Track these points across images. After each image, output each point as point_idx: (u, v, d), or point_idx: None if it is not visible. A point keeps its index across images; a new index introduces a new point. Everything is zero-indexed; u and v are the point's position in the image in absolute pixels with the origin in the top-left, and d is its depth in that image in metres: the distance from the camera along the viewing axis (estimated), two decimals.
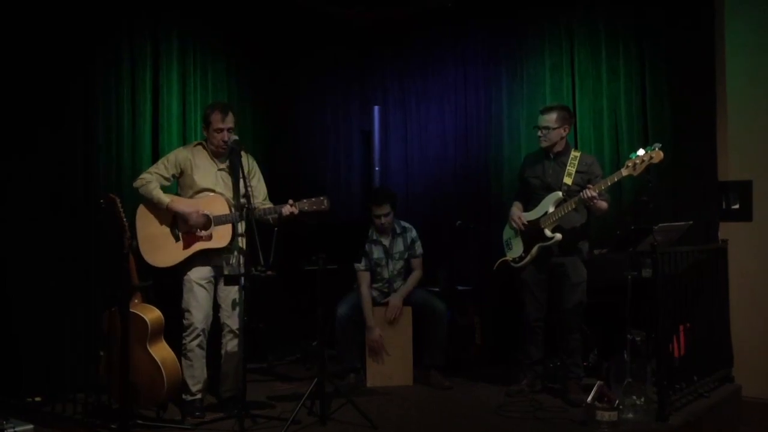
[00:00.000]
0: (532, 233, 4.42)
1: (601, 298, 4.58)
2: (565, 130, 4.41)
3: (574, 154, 4.41)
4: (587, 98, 5.35)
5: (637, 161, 4.05)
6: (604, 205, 4.24)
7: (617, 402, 3.81)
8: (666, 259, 4.04)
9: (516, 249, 4.52)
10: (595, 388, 3.86)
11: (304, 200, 4.13)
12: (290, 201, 4.13)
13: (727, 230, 4.85)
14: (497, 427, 4.00)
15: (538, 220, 4.39)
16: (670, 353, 4.17)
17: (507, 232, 4.61)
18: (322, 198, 4.13)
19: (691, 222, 4.42)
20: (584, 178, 4.35)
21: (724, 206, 4.88)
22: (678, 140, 4.92)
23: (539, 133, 4.41)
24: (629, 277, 4.15)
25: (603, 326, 4.71)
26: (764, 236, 4.77)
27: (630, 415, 3.86)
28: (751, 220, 4.83)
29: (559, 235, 4.30)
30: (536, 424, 4.00)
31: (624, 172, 4.09)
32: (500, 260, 4.60)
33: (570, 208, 4.26)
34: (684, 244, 4.44)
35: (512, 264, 4.53)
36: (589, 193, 4.12)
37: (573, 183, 4.34)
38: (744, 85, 4.85)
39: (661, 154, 4.03)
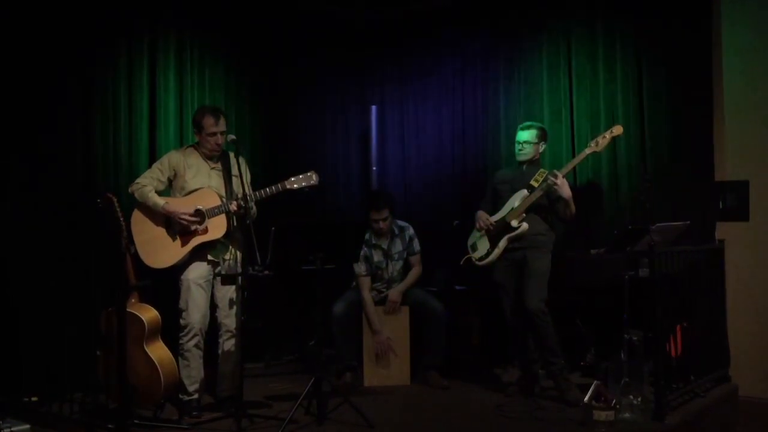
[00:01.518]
0: (498, 230, 4.55)
1: (598, 298, 4.58)
2: (541, 147, 4.63)
3: (542, 171, 4.52)
4: (584, 99, 5.35)
5: (599, 138, 4.42)
6: (568, 190, 4.37)
7: (614, 401, 3.82)
8: (663, 259, 4.05)
9: (481, 248, 4.64)
10: (592, 388, 3.87)
11: (293, 178, 4.15)
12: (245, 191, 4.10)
13: (724, 230, 4.85)
14: (495, 427, 4.00)
15: (504, 217, 4.54)
16: (667, 353, 4.18)
17: (472, 237, 4.74)
18: (310, 174, 4.17)
19: (688, 222, 4.42)
20: (550, 187, 4.42)
21: (721, 206, 4.88)
22: (675, 141, 4.93)
23: (519, 148, 4.61)
24: (626, 276, 4.15)
25: (600, 326, 4.71)
26: (761, 236, 4.78)
27: (627, 415, 3.86)
28: (748, 220, 4.83)
29: (525, 224, 4.46)
30: (534, 423, 4.00)
31: (588, 150, 4.43)
32: (465, 257, 4.72)
33: (535, 197, 4.41)
34: (681, 244, 4.45)
35: (477, 262, 4.65)
36: (555, 173, 4.33)
37: (538, 185, 4.46)
38: (741, 86, 4.85)
39: (621, 128, 4.44)
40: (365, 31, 6.36)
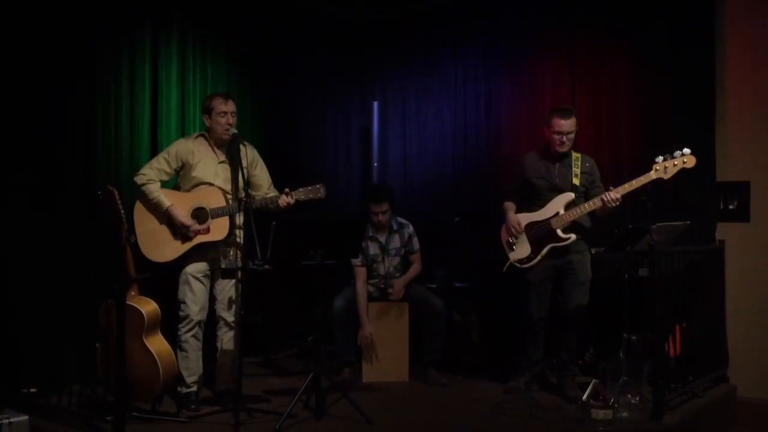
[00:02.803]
0: (541, 234, 4.39)
1: (597, 297, 4.58)
2: (576, 134, 4.41)
3: (575, 155, 4.41)
4: (587, 97, 5.34)
5: (669, 165, 3.99)
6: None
7: (612, 400, 3.82)
8: (663, 259, 4.05)
9: (521, 250, 4.46)
10: (590, 387, 3.87)
11: (300, 189, 4.15)
12: (286, 190, 4.14)
13: (724, 231, 4.85)
14: (493, 425, 4.00)
15: (548, 220, 4.36)
16: (665, 353, 4.18)
17: (508, 236, 4.55)
18: (318, 186, 4.15)
19: (688, 222, 4.42)
20: (588, 179, 4.37)
21: (721, 206, 4.88)
22: (677, 141, 4.91)
23: (563, 139, 4.31)
24: (626, 276, 4.15)
25: (599, 325, 4.71)
26: (761, 237, 4.77)
27: (625, 414, 3.86)
28: (748, 220, 4.83)
29: (573, 236, 4.30)
30: (532, 421, 4.00)
31: (653, 175, 4.03)
32: (508, 263, 4.50)
33: (588, 210, 4.25)
34: (681, 244, 4.44)
35: (518, 265, 4.47)
36: (614, 195, 4.09)
37: (580, 184, 4.36)
38: (743, 86, 4.84)
39: (694, 159, 3.99)
40: (366, 31, 6.36)
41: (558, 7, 5.49)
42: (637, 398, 3.90)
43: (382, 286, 5.05)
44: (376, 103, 6.17)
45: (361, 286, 4.95)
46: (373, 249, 5.04)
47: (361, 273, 4.97)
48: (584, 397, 3.86)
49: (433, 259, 5.41)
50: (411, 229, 5.13)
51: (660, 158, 4.04)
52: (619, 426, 3.80)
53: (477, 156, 5.94)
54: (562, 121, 4.30)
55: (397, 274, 5.07)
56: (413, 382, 4.88)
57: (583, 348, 4.80)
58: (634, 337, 4.32)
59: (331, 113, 6.39)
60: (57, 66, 4.51)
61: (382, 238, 5.05)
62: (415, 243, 5.12)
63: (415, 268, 5.09)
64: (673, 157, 4.02)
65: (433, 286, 5.33)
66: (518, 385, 4.52)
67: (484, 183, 5.84)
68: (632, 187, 4.09)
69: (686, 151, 4.01)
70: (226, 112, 4.16)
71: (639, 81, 5.11)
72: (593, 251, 4.75)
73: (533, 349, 4.54)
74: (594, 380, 3.90)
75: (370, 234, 5.04)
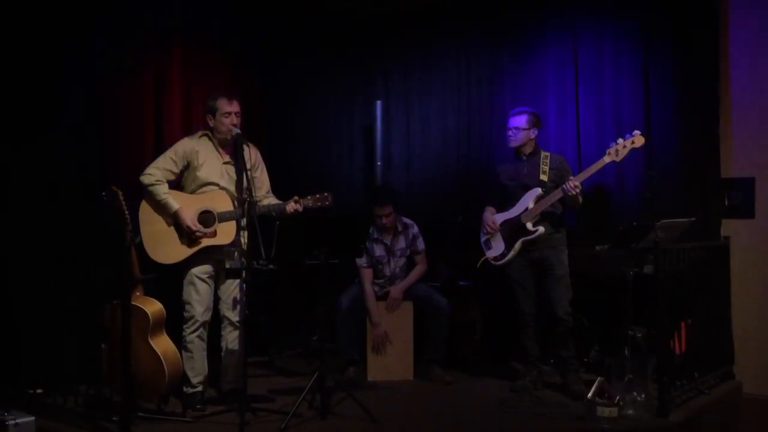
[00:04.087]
0: (512, 230, 4.50)
1: (602, 295, 4.58)
2: (533, 133, 4.57)
3: (544, 153, 4.56)
4: (590, 94, 5.34)
5: (619, 147, 4.20)
6: (580, 198, 4.32)
7: (617, 398, 3.82)
8: (668, 256, 4.05)
9: (496, 247, 4.60)
10: (595, 384, 3.87)
11: (308, 197, 4.14)
12: (295, 197, 4.14)
13: (729, 227, 4.84)
14: (498, 423, 4.00)
15: (518, 216, 4.48)
16: (671, 350, 4.17)
17: (483, 235, 4.69)
18: (326, 194, 4.14)
19: (693, 218, 4.41)
20: (557, 175, 4.47)
21: (726, 203, 4.87)
22: (681, 137, 4.92)
23: (509, 134, 4.57)
24: (631, 273, 4.14)
25: (604, 322, 4.71)
26: (766, 233, 4.76)
27: (630, 411, 3.86)
28: (753, 217, 4.82)
29: (542, 228, 4.41)
30: (537, 419, 3.99)
31: (606, 159, 4.22)
32: (482, 259, 4.66)
33: (552, 201, 4.36)
34: (686, 240, 4.44)
35: (493, 262, 4.60)
36: (572, 183, 4.23)
37: (548, 180, 4.45)
38: (747, 83, 4.83)
39: (642, 138, 4.18)
40: (370, 27, 6.34)
41: (562, 3, 5.48)
42: (643, 395, 3.90)
43: (387, 287, 5.04)
44: (379, 102, 6.17)
45: (369, 287, 4.96)
46: (378, 251, 5.04)
47: (367, 274, 4.98)
48: (589, 394, 3.86)
49: (437, 257, 5.41)
50: (416, 229, 5.13)
51: (613, 143, 4.22)
52: (625, 423, 3.79)
53: (480, 155, 5.94)
54: (510, 118, 4.58)
55: (402, 275, 5.06)
56: (417, 380, 4.89)
57: (588, 346, 4.80)
58: (639, 335, 4.32)
59: (335, 112, 6.39)
60: (58, 64, 4.51)
61: (388, 240, 5.05)
62: (420, 243, 5.11)
63: (417, 270, 5.07)
64: (625, 140, 4.20)
65: (437, 284, 5.32)
66: (525, 383, 4.52)
67: (487, 181, 5.80)
68: (589, 173, 4.28)
69: (636, 132, 4.20)
70: (230, 113, 4.17)
71: (643, 77, 5.10)
72: (597, 248, 4.77)
73: (531, 345, 4.59)
74: (599, 378, 3.90)
75: (375, 236, 5.03)
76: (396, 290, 4.96)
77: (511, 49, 5.78)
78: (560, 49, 5.49)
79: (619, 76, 5.21)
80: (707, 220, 4.79)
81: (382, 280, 5.06)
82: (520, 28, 5.74)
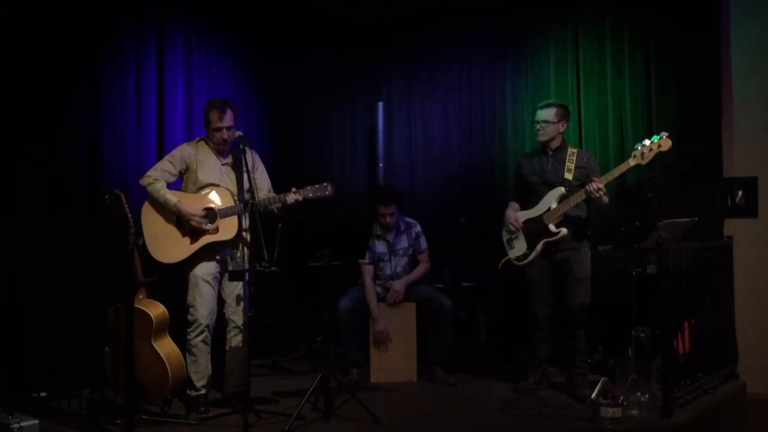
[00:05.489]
0: (535, 230, 4.41)
1: (605, 295, 4.57)
2: (562, 126, 4.43)
3: (572, 150, 4.44)
4: (592, 95, 5.34)
5: (645, 150, 4.04)
6: (606, 199, 4.25)
7: (622, 398, 3.81)
8: (671, 256, 4.04)
9: (518, 247, 4.50)
10: (599, 385, 3.86)
11: (308, 187, 4.16)
12: (293, 189, 4.14)
13: (732, 227, 4.84)
14: (502, 424, 4.00)
15: (540, 216, 4.39)
16: (674, 350, 4.17)
17: (506, 233, 4.60)
18: (325, 184, 4.15)
19: (696, 218, 4.41)
20: (583, 174, 4.37)
21: (729, 202, 4.87)
22: (683, 137, 4.91)
23: (537, 127, 4.44)
24: (634, 273, 4.14)
25: (608, 323, 4.70)
26: None
27: (634, 412, 3.85)
28: (756, 216, 4.82)
29: (565, 230, 4.31)
30: (541, 420, 3.99)
31: (632, 162, 4.08)
32: (503, 260, 4.57)
33: (575, 203, 4.27)
34: (689, 240, 4.43)
35: (516, 263, 4.51)
36: (596, 185, 4.13)
37: (573, 178, 4.35)
38: (749, 82, 4.83)
39: (669, 141, 4.01)
40: (372, 29, 6.36)
41: (563, 3, 5.48)
42: (647, 396, 3.89)
43: (388, 286, 5.04)
44: (381, 104, 6.17)
45: (370, 282, 4.95)
46: (380, 247, 5.04)
47: (368, 270, 4.98)
48: (593, 395, 3.85)
49: (440, 258, 5.41)
50: (418, 228, 5.13)
51: (638, 145, 4.09)
52: (629, 424, 3.79)
53: (483, 155, 5.94)
54: (539, 111, 4.43)
55: (404, 275, 5.06)
56: (421, 381, 4.88)
57: (592, 346, 4.79)
58: (642, 335, 4.32)
59: (337, 113, 6.39)
60: (63, 66, 4.52)
61: (390, 237, 5.05)
62: (423, 243, 5.11)
63: (420, 269, 5.08)
64: (651, 142, 4.04)
65: (441, 285, 5.32)
66: (528, 384, 4.51)
67: (490, 182, 5.85)
68: (613, 176, 4.17)
69: (663, 134, 4.04)
70: (221, 128, 4.16)
71: (645, 77, 5.10)
72: (600, 248, 4.76)
73: (542, 348, 4.54)
74: (603, 378, 3.89)
75: (378, 233, 5.04)
76: (398, 283, 4.95)
77: (513, 50, 5.78)
78: (561, 49, 5.49)
79: (620, 76, 5.20)
80: (710, 219, 4.78)
81: (382, 280, 5.05)
82: (521, 29, 5.74)
